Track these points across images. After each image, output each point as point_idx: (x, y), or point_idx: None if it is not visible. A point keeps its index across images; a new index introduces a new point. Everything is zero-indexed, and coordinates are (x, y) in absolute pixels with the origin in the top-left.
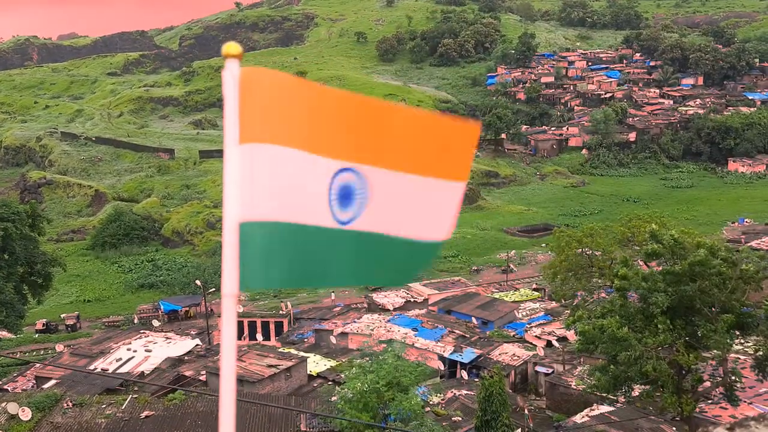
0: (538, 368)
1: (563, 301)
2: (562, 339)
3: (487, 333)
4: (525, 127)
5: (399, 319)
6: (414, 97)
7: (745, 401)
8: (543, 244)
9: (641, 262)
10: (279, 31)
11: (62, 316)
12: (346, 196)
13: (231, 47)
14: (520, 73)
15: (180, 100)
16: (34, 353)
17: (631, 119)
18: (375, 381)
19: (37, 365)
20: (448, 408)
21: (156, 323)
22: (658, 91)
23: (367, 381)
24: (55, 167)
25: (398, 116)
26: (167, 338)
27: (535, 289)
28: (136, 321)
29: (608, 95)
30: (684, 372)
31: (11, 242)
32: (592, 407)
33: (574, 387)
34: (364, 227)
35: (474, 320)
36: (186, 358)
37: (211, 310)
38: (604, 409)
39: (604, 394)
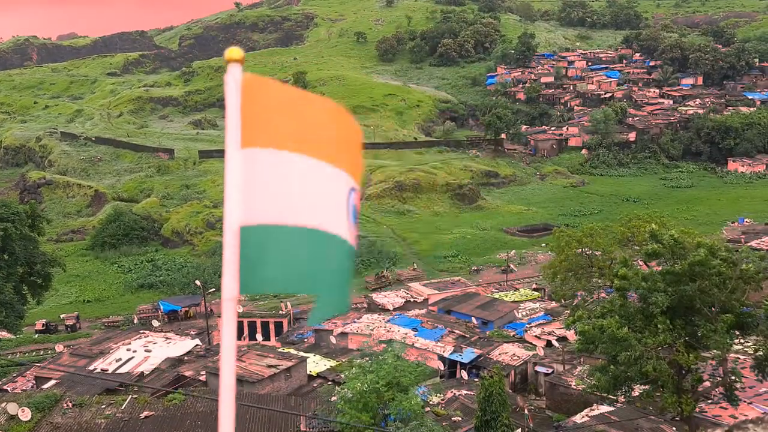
0: (538, 368)
1: (563, 301)
2: (562, 339)
3: (487, 333)
4: (525, 127)
5: (399, 319)
6: (414, 97)
7: (745, 401)
8: (543, 244)
9: (641, 262)
10: (279, 31)
11: (62, 316)
12: (353, 214)
13: (233, 52)
14: (519, 73)
15: (180, 100)
16: (34, 353)
17: (630, 119)
18: (375, 381)
19: (38, 365)
20: (447, 408)
21: (156, 323)
22: (657, 91)
23: (367, 381)
24: (55, 167)
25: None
26: (167, 338)
27: (535, 289)
28: (135, 321)
29: (608, 95)
30: (684, 372)
31: (11, 242)
32: (592, 407)
33: (574, 387)
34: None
35: (474, 320)
36: (186, 358)
37: (211, 310)
38: (604, 409)
39: (604, 394)
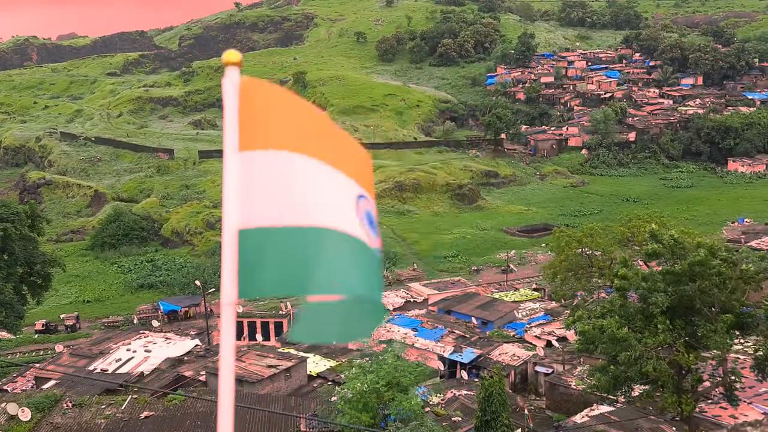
0: (538, 368)
1: (563, 301)
2: (562, 339)
3: (486, 333)
4: (525, 127)
5: (399, 319)
6: (414, 97)
7: (744, 401)
8: (543, 244)
9: (641, 262)
10: (278, 32)
11: (62, 316)
12: (371, 222)
13: (231, 55)
14: (519, 73)
15: (179, 101)
16: (34, 354)
17: (630, 119)
18: (375, 381)
19: (37, 366)
20: (447, 408)
21: (155, 323)
22: (657, 91)
23: (367, 381)
24: (55, 167)
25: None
26: (167, 338)
27: (534, 289)
28: (135, 321)
29: (608, 95)
30: (684, 372)
31: (11, 243)
32: (592, 407)
33: (574, 387)
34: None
35: (474, 320)
36: (186, 358)
37: (211, 310)
38: (604, 409)
39: (604, 394)
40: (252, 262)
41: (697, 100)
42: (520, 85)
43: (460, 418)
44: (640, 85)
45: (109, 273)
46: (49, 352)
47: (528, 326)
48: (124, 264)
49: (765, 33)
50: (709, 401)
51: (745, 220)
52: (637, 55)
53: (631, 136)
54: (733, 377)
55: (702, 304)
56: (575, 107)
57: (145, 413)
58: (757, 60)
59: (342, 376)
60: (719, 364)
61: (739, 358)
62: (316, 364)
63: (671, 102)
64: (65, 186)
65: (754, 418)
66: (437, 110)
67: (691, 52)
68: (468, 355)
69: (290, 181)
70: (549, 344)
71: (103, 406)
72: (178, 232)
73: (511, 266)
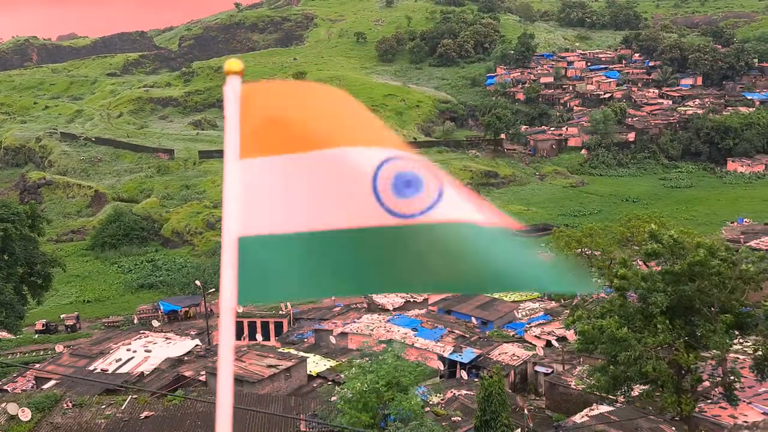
0: (538, 368)
1: (563, 300)
2: (562, 339)
3: (486, 333)
4: (524, 127)
5: (399, 319)
6: (413, 97)
7: (744, 401)
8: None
9: (640, 262)
10: (278, 32)
11: (62, 316)
12: (408, 184)
13: (233, 64)
14: (519, 74)
15: (179, 101)
16: (34, 354)
17: (630, 119)
18: (375, 381)
19: (37, 366)
20: (447, 408)
21: (156, 323)
22: (657, 91)
23: (367, 381)
24: (55, 168)
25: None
26: (167, 338)
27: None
28: (135, 321)
29: (607, 95)
30: (683, 372)
31: (11, 243)
32: (592, 407)
33: (574, 387)
34: (450, 219)
35: (473, 320)
36: (186, 358)
37: (211, 310)
38: (604, 408)
39: (604, 394)
40: (251, 269)
41: (697, 100)
42: (520, 86)
43: (459, 418)
44: (639, 85)
45: (109, 273)
46: (50, 352)
47: (528, 326)
48: (124, 264)
49: (764, 33)
50: (709, 401)
51: (745, 220)
52: (637, 55)
53: (631, 136)
54: (732, 377)
55: (701, 304)
56: (575, 107)
57: (145, 413)
58: (756, 60)
59: (342, 376)
60: (719, 364)
61: (738, 358)
62: (316, 364)
63: (671, 102)
64: (65, 186)
65: (753, 418)
66: (437, 110)
67: (691, 52)
68: (468, 355)
69: (290, 188)
70: (549, 344)
71: (103, 406)
72: (178, 232)
73: None
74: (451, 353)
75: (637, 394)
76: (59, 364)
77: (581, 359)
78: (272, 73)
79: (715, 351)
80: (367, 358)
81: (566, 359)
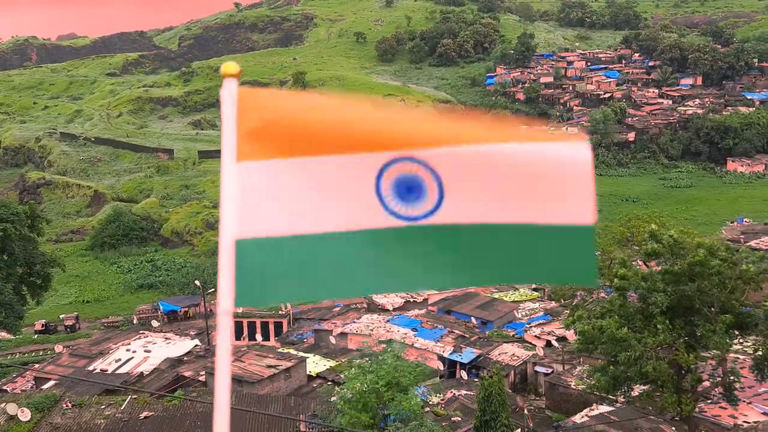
0: (538, 368)
1: (562, 300)
2: (562, 339)
3: (486, 333)
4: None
5: (398, 320)
6: (413, 97)
7: (744, 401)
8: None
9: (640, 262)
10: (278, 32)
11: (61, 316)
12: (410, 189)
13: (229, 67)
14: (519, 74)
15: (179, 101)
16: (33, 354)
17: (630, 119)
18: (374, 381)
19: (36, 366)
20: (447, 408)
21: (155, 324)
22: (656, 91)
23: (367, 381)
24: (54, 168)
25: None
26: (166, 339)
27: (534, 289)
28: (135, 321)
29: (607, 95)
30: (683, 372)
31: (10, 243)
32: (592, 407)
33: (574, 387)
34: (453, 220)
35: (473, 320)
36: (185, 358)
37: (211, 310)
38: (604, 409)
39: (604, 394)
40: (249, 272)
41: (697, 100)
42: (520, 86)
43: (459, 418)
44: (639, 85)
45: (109, 273)
46: (49, 352)
47: (527, 326)
48: (124, 264)
49: (764, 33)
50: (709, 401)
51: (744, 220)
52: (637, 55)
53: (631, 136)
54: (732, 377)
55: (701, 304)
56: (574, 107)
57: (145, 413)
58: (756, 60)
59: (342, 376)
60: (719, 364)
61: (738, 358)
62: (316, 364)
63: (670, 102)
64: (65, 186)
65: (753, 418)
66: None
67: (691, 52)
68: (467, 355)
69: (289, 191)
70: (548, 344)
71: (103, 407)
72: (177, 232)
73: None
74: (450, 353)
75: (637, 394)
76: (59, 365)
77: (581, 359)
78: (272, 73)
79: (715, 351)
80: (367, 359)
81: (566, 359)
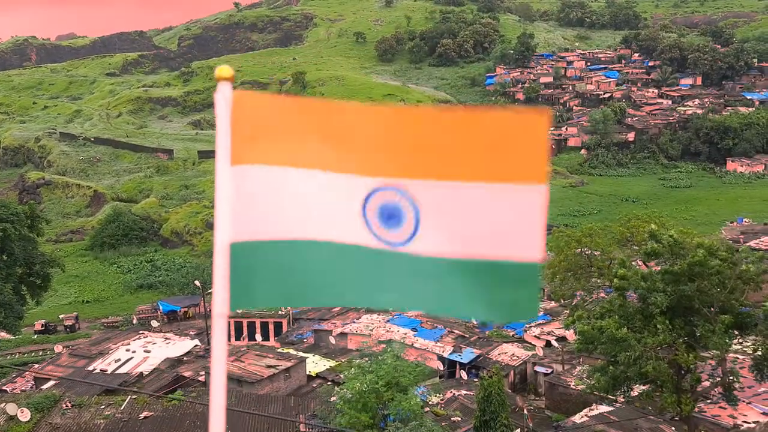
0: (538, 368)
1: (562, 301)
2: (561, 339)
3: (486, 333)
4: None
5: (398, 319)
6: (413, 97)
7: (744, 401)
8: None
9: (640, 262)
10: (278, 32)
11: (61, 316)
12: (390, 216)
13: (223, 70)
14: (518, 74)
15: (179, 101)
16: (33, 354)
17: (629, 119)
18: (374, 381)
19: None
20: (447, 408)
21: (155, 324)
22: (656, 91)
23: (366, 381)
24: (54, 168)
25: (439, 122)
26: (166, 339)
27: None
28: (135, 321)
29: (607, 95)
30: (683, 372)
31: (10, 243)
32: (591, 407)
33: (573, 387)
34: (422, 251)
35: (473, 320)
36: (185, 358)
37: (210, 310)
38: (603, 409)
39: (604, 395)
40: (243, 274)
41: (696, 100)
42: (520, 86)
43: (459, 418)
44: (639, 85)
45: (109, 273)
46: (49, 352)
47: (527, 326)
48: (124, 264)
49: (764, 33)
50: (708, 401)
51: (744, 220)
52: (636, 55)
53: (630, 136)
54: (732, 377)
55: (701, 304)
56: (574, 107)
57: (145, 413)
58: (755, 60)
59: (341, 376)
60: (718, 364)
61: (738, 358)
62: (316, 364)
63: (670, 102)
64: (64, 186)
65: (753, 418)
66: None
67: (690, 52)
68: (467, 355)
69: (281, 196)
70: (548, 344)
71: (103, 407)
72: (177, 232)
73: None
74: (450, 353)
75: (636, 394)
76: (58, 365)
77: (581, 359)
78: (271, 73)
79: (714, 351)
80: (367, 359)
81: (566, 359)
